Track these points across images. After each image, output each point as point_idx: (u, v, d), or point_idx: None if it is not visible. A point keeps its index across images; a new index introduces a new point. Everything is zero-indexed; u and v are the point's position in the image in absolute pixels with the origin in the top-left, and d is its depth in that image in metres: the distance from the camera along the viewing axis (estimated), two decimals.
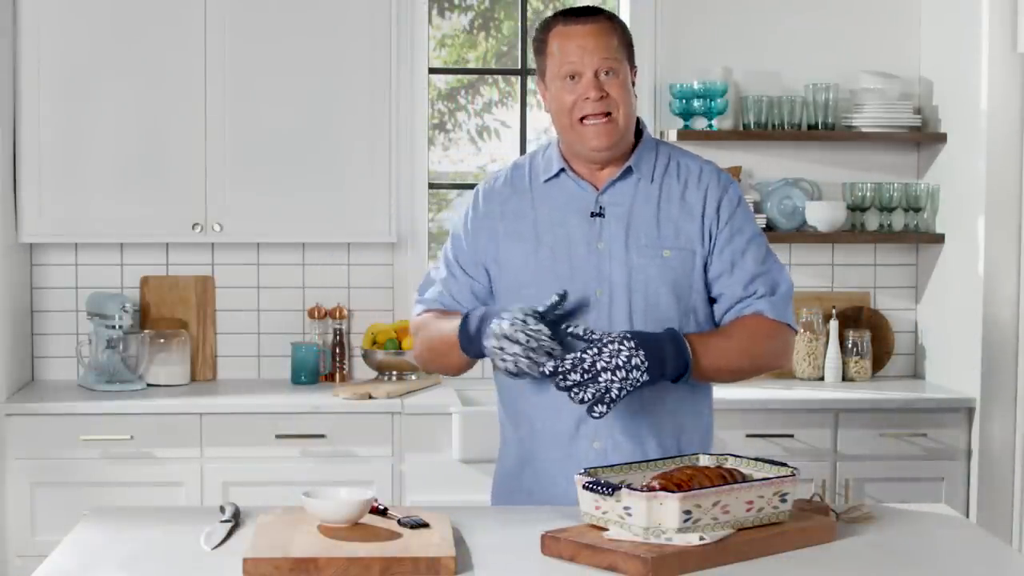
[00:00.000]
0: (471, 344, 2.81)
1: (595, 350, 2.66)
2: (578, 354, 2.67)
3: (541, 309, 2.74)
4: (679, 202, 2.91)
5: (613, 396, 2.65)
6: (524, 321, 2.70)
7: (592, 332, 2.71)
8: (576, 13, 2.89)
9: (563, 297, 2.76)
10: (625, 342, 2.67)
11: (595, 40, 2.84)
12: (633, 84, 2.91)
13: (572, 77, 2.85)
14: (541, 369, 2.68)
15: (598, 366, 2.65)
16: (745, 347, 2.87)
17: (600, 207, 2.90)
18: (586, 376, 2.65)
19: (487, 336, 2.73)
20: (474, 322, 2.80)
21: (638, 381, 2.66)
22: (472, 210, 3.00)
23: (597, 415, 2.67)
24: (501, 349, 2.70)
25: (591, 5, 2.95)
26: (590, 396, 2.65)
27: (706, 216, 2.91)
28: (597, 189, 2.92)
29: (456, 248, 3.01)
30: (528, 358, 2.68)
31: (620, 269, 2.87)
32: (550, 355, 2.68)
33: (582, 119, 2.85)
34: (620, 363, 2.65)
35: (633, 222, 2.89)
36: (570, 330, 2.72)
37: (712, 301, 2.94)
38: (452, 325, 2.87)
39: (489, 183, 3.02)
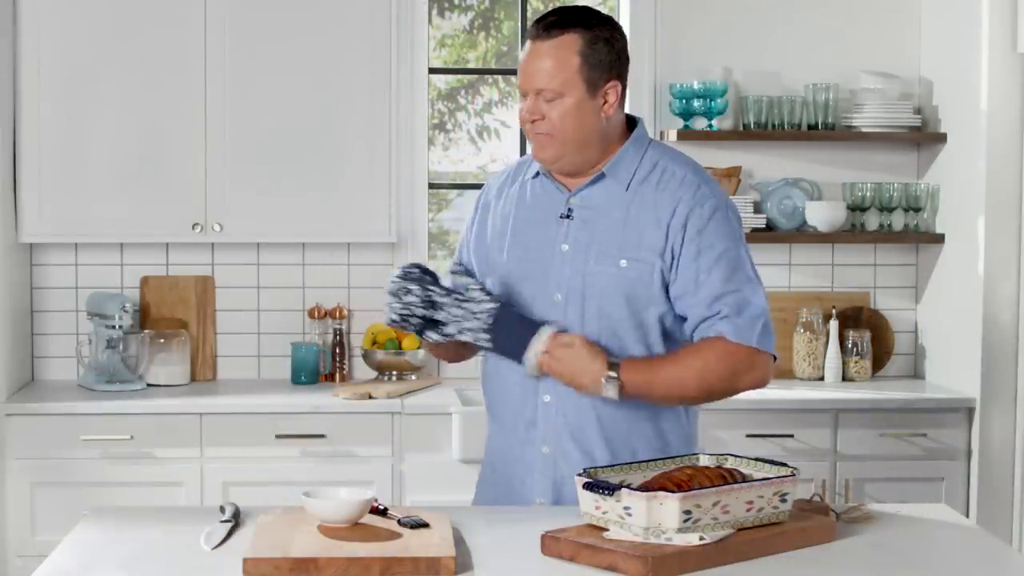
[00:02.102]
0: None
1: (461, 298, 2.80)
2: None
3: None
4: (649, 212, 2.83)
5: (450, 331, 2.79)
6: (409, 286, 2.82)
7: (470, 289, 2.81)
8: (546, 25, 2.82)
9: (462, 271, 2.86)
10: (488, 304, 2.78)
11: (542, 62, 2.79)
12: (607, 100, 2.82)
13: (524, 95, 2.84)
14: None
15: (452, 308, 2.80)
16: (694, 373, 2.79)
17: (569, 209, 2.88)
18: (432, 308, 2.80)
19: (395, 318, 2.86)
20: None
21: (480, 332, 2.77)
22: (477, 204, 3.05)
23: (430, 340, 2.81)
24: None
25: (577, 7, 2.88)
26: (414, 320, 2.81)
27: (672, 228, 2.81)
28: (568, 191, 2.90)
29: (466, 240, 3.05)
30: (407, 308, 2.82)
31: (576, 274, 2.84)
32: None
33: (529, 133, 2.86)
34: (473, 310, 2.78)
35: (597, 228, 2.85)
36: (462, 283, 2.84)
37: (682, 322, 2.88)
38: None
39: (493, 179, 3.06)
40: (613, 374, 2.75)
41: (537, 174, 2.94)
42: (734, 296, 2.81)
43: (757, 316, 2.81)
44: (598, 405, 2.83)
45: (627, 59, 2.88)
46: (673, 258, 2.82)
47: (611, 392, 2.75)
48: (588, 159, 2.86)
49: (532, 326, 2.79)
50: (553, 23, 2.81)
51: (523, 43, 2.91)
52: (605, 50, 2.82)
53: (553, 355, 2.77)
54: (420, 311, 2.81)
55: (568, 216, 2.88)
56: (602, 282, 2.82)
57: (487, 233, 2.98)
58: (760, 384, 2.84)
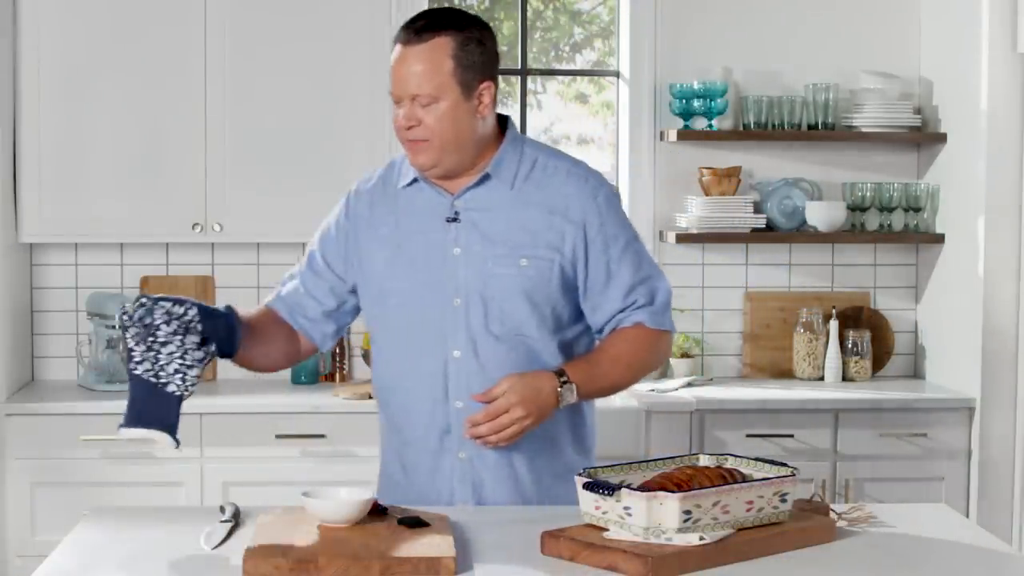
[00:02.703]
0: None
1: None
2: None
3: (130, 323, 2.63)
4: (540, 209, 2.82)
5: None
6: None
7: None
8: (417, 29, 2.77)
9: (146, 303, 2.62)
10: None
11: (415, 67, 2.75)
12: (482, 102, 2.78)
13: (397, 102, 2.79)
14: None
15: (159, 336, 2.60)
16: (626, 362, 2.86)
17: (455, 212, 2.84)
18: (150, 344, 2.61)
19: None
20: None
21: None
22: (342, 210, 2.97)
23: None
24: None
25: (445, 9, 2.84)
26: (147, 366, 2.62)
27: (571, 224, 2.82)
28: (452, 195, 2.85)
29: (324, 245, 2.96)
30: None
31: (475, 277, 2.81)
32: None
33: (403, 140, 2.80)
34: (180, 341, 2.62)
35: (489, 229, 2.82)
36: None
37: (580, 312, 2.89)
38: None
39: (361, 184, 2.98)
40: (564, 379, 2.78)
41: (414, 180, 2.88)
42: (645, 285, 2.87)
43: (667, 302, 2.91)
44: None
45: (498, 59, 2.85)
46: (575, 253, 2.83)
47: (571, 397, 2.78)
48: (465, 161, 2.82)
49: None
50: (424, 27, 2.76)
51: (392, 48, 2.82)
52: (477, 51, 2.78)
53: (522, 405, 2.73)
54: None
55: (455, 219, 2.83)
56: (503, 283, 2.80)
57: (360, 245, 2.90)
58: (666, 360, 3.01)
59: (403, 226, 2.87)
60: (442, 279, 2.82)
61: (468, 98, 2.77)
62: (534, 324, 2.83)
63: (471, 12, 2.87)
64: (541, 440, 2.84)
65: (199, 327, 2.64)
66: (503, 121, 2.90)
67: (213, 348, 2.68)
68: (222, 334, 2.72)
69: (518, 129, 2.95)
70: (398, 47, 2.79)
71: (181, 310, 2.62)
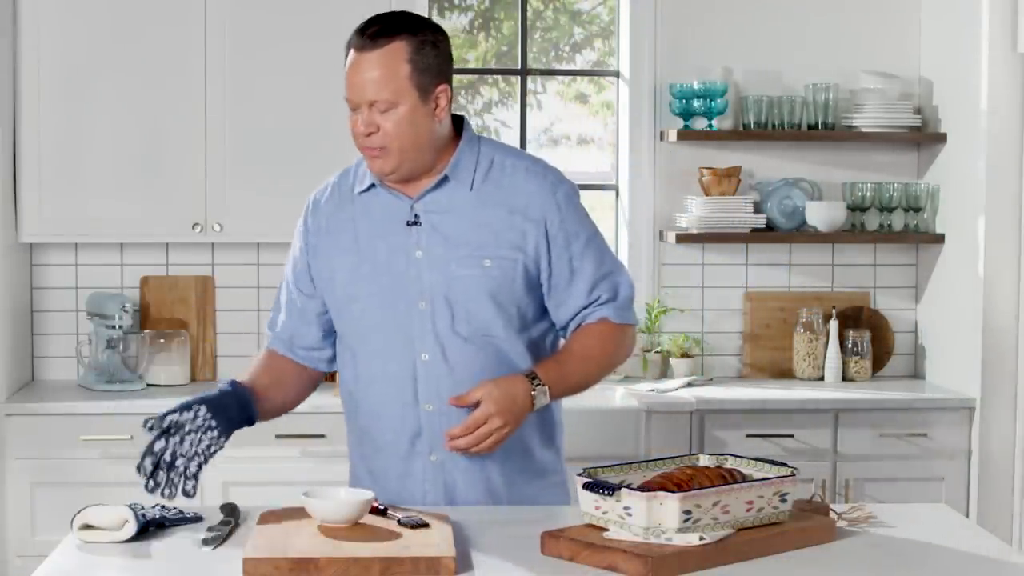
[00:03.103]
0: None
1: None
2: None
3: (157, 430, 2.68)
4: (500, 208, 2.82)
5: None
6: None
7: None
8: (371, 35, 2.73)
9: (153, 427, 2.68)
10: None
11: (371, 73, 2.72)
12: (438, 105, 2.77)
13: (354, 108, 2.77)
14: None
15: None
16: (595, 359, 2.87)
17: (415, 215, 2.83)
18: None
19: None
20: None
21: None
22: (302, 227, 2.96)
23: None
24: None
25: (397, 13, 2.81)
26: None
27: (531, 221, 2.82)
28: (411, 198, 2.84)
29: (295, 271, 2.97)
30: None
31: (439, 279, 2.80)
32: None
33: (361, 148, 2.79)
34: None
35: (451, 231, 2.81)
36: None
37: (545, 310, 2.90)
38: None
39: (318, 194, 2.97)
40: (537, 381, 2.77)
41: (371, 186, 2.87)
42: (608, 281, 2.88)
43: (630, 296, 2.91)
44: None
45: (452, 61, 2.83)
46: (537, 251, 2.83)
47: (544, 399, 2.79)
48: (424, 165, 2.81)
49: None
50: (378, 32, 2.73)
51: (345, 53, 2.79)
52: (432, 54, 2.76)
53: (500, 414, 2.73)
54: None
55: (416, 223, 2.83)
56: (467, 284, 2.80)
57: (322, 255, 2.90)
58: (630, 353, 2.99)
59: (362, 232, 2.86)
60: (406, 283, 2.81)
61: (425, 102, 2.76)
62: (501, 324, 2.82)
63: (422, 16, 2.86)
64: (511, 440, 2.81)
65: (212, 422, 2.74)
66: (458, 122, 2.89)
67: (223, 443, 2.81)
68: (235, 416, 2.81)
69: (473, 130, 2.94)
70: (352, 53, 2.76)
71: (190, 415, 2.70)
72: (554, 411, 2.95)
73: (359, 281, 2.84)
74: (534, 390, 2.76)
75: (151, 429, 2.64)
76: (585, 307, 2.87)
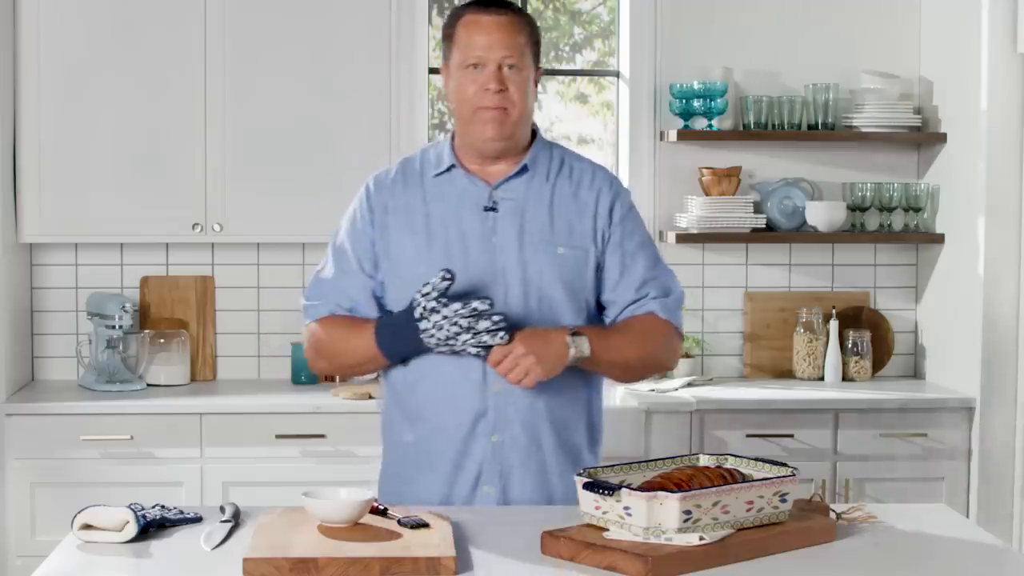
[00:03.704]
0: (397, 351, 2.86)
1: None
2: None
3: (436, 293, 2.76)
4: (572, 202, 2.94)
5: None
6: (443, 311, 2.75)
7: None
8: (487, 3, 2.90)
9: (452, 278, 2.77)
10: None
11: (502, 34, 2.85)
12: (537, 86, 2.94)
13: (475, 67, 2.86)
14: (500, 340, 2.73)
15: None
16: (638, 342, 2.91)
17: (493, 202, 2.91)
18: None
19: (433, 344, 2.78)
20: (394, 335, 2.83)
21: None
22: (364, 204, 2.99)
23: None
24: (450, 343, 2.76)
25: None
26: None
27: (599, 216, 2.94)
28: (489, 184, 2.93)
29: (352, 244, 2.98)
30: (474, 336, 2.74)
31: (514, 264, 2.88)
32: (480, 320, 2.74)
33: (479, 109, 2.86)
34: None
35: (526, 218, 2.91)
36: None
37: (600, 307, 2.98)
38: (364, 341, 2.87)
39: (379, 177, 3.01)
40: (576, 332, 2.82)
41: (449, 168, 2.94)
42: (658, 281, 2.96)
43: (679, 301, 2.99)
44: (546, 391, 2.87)
45: None
46: (603, 242, 2.93)
47: (584, 347, 2.81)
48: (521, 142, 2.94)
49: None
50: (498, 3, 2.91)
51: (447, 32, 2.91)
52: (537, 37, 2.94)
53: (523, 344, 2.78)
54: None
55: (493, 208, 2.91)
56: (542, 269, 2.88)
57: (385, 235, 2.94)
58: (674, 365, 3.06)
59: (435, 214, 2.92)
60: (479, 266, 2.87)
61: (534, 79, 2.92)
62: (570, 312, 2.90)
63: None
64: (563, 438, 2.91)
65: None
66: None
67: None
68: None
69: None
70: (474, 16, 2.88)
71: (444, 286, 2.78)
72: (599, 418, 3.02)
73: (430, 262, 2.87)
74: (571, 337, 2.80)
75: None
76: (633, 302, 2.94)
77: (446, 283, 2.75)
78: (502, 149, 2.91)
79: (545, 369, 2.77)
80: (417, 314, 2.78)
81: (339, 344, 2.92)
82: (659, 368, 3.02)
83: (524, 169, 2.93)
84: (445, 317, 2.75)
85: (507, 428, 2.88)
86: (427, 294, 2.76)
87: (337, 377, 5.03)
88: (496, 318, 2.74)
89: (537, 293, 2.88)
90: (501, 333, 2.74)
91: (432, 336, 2.77)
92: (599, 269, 2.94)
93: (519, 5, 3.00)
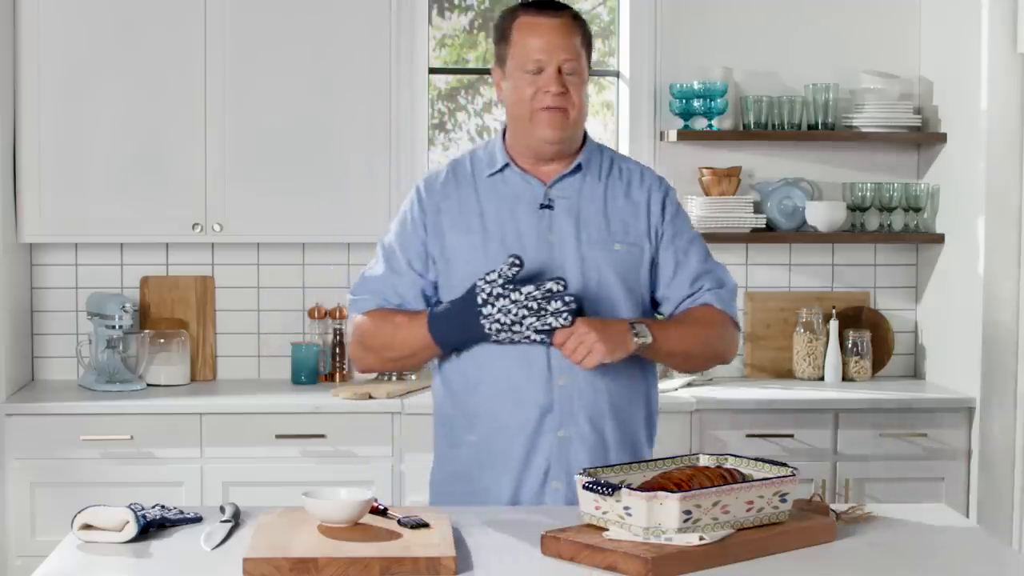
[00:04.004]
0: (452, 339, 2.87)
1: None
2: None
3: (502, 280, 2.78)
4: (625, 200, 2.98)
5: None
6: (512, 296, 2.77)
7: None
8: (542, 5, 2.93)
9: (521, 264, 2.79)
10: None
11: (560, 36, 2.88)
12: (586, 85, 2.97)
13: (537, 71, 2.88)
14: (562, 322, 2.76)
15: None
16: (697, 331, 2.94)
17: (549, 199, 2.94)
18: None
19: (494, 331, 2.79)
20: (449, 322, 2.84)
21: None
22: (415, 206, 3.00)
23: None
24: (513, 329, 2.77)
25: (556, 1, 2.99)
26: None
27: (651, 214, 2.98)
28: (543, 183, 2.96)
29: (402, 244, 2.99)
30: (540, 319, 2.76)
31: (572, 261, 2.91)
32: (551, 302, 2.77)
33: (539, 111, 2.88)
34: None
35: (582, 216, 2.94)
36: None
37: (655, 304, 3.02)
38: (415, 330, 2.88)
39: (430, 179, 3.03)
40: (636, 322, 2.86)
41: (504, 167, 2.97)
42: (711, 275, 3.00)
43: (733, 292, 3.03)
44: (608, 385, 2.91)
45: None
46: (657, 240, 2.97)
47: (646, 336, 2.83)
48: (574, 145, 2.98)
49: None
50: (554, 5, 2.93)
51: (501, 33, 2.93)
52: (590, 39, 2.97)
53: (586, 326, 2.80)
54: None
55: (549, 206, 2.94)
56: (600, 266, 2.92)
57: (439, 234, 2.96)
58: (733, 355, 3.06)
59: (489, 212, 2.95)
60: (538, 263, 2.90)
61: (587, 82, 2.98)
62: (628, 309, 2.94)
63: None
64: (625, 432, 2.95)
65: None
66: None
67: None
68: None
69: None
70: (531, 18, 2.91)
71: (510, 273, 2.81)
72: (656, 411, 3.06)
73: (486, 260, 2.90)
74: (633, 327, 2.83)
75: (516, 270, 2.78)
76: (688, 296, 2.98)
77: (515, 269, 2.78)
78: (559, 151, 2.94)
79: (608, 349, 2.77)
80: (480, 300, 2.79)
81: (388, 335, 2.93)
82: (719, 358, 3.03)
83: (578, 168, 2.97)
84: (514, 301, 2.77)
85: (573, 423, 2.91)
86: (492, 280, 2.78)
87: (337, 377, 5.03)
88: (568, 298, 2.76)
89: (595, 289, 2.90)
90: (565, 314, 2.76)
91: (495, 322, 2.79)
92: (653, 266, 2.98)
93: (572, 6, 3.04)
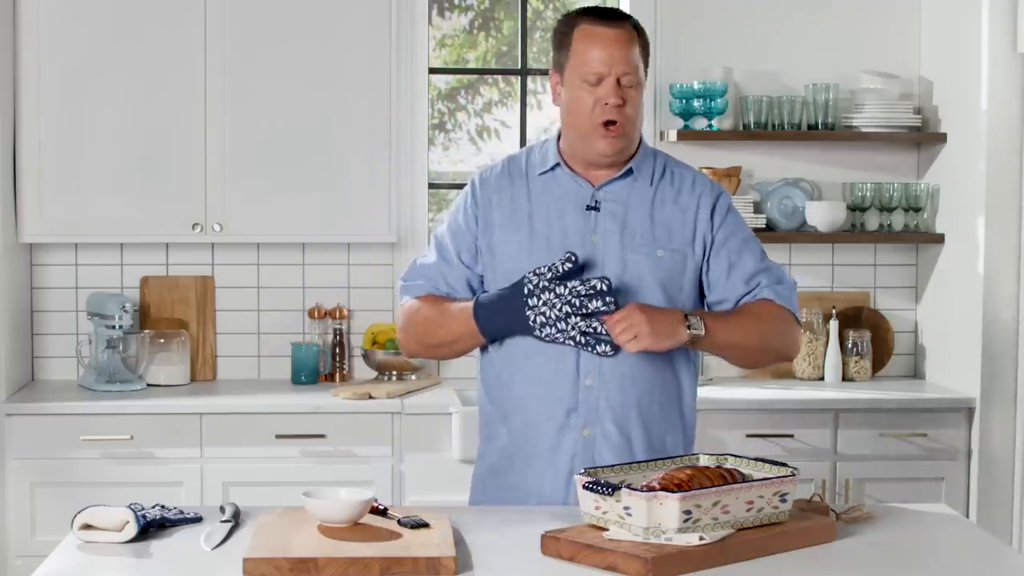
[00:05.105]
0: (496, 328, 2.88)
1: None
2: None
3: (550, 274, 2.79)
4: (673, 206, 2.97)
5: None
6: (557, 289, 2.78)
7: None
8: (612, 14, 2.93)
9: (575, 262, 2.81)
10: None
11: (620, 48, 2.88)
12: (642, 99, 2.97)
13: (596, 82, 2.88)
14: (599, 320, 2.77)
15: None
16: (754, 324, 2.92)
17: (596, 201, 2.95)
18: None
19: (539, 324, 2.80)
20: (495, 310, 2.85)
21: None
22: (469, 198, 3.03)
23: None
24: (558, 326, 2.78)
25: (616, 8, 3.00)
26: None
27: (699, 220, 2.97)
28: (593, 185, 2.96)
29: (453, 236, 3.02)
30: (584, 319, 2.77)
31: (614, 263, 2.91)
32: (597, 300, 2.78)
33: (597, 126, 2.88)
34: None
35: (628, 220, 2.94)
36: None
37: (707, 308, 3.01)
38: (461, 316, 2.91)
39: (485, 173, 3.06)
40: (691, 315, 2.85)
41: (554, 167, 2.98)
42: (769, 272, 2.99)
43: (793, 289, 3.01)
44: (639, 387, 2.91)
45: None
46: (705, 246, 2.96)
47: (698, 325, 2.83)
48: (631, 152, 2.98)
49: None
50: (615, 15, 2.93)
51: (561, 39, 2.93)
52: (647, 48, 2.98)
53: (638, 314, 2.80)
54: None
55: (595, 208, 2.95)
56: (641, 271, 2.91)
57: (488, 227, 2.99)
58: (796, 353, 3.03)
59: (538, 211, 2.96)
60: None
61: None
62: None
63: None
64: (651, 431, 2.94)
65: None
66: None
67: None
68: None
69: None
70: (592, 26, 2.90)
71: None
72: (692, 416, 3.03)
73: (530, 256, 2.92)
74: (687, 318, 2.83)
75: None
76: (746, 294, 2.96)
77: (568, 265, 2.80)
78: (617, 161, 2.96)
79: (655, 337, 2.77)
80: (526, 291, 2.81)
81: (434, 320, 2.96)
82: (780, 354, 3.01)
83: (629, 172, 2.97)
84: (558, 296, 2.78)
85: (598, 422, 2.91)
86: (541, 274, 2.80)
87: (337, 377, 5.02)
88: (608, 298, 2.77)
89: (635, 293, 2.90)
90: (602, 320, 2.78)
91: (540, 314, 2.80)
92: (701, 274, 2.97)
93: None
